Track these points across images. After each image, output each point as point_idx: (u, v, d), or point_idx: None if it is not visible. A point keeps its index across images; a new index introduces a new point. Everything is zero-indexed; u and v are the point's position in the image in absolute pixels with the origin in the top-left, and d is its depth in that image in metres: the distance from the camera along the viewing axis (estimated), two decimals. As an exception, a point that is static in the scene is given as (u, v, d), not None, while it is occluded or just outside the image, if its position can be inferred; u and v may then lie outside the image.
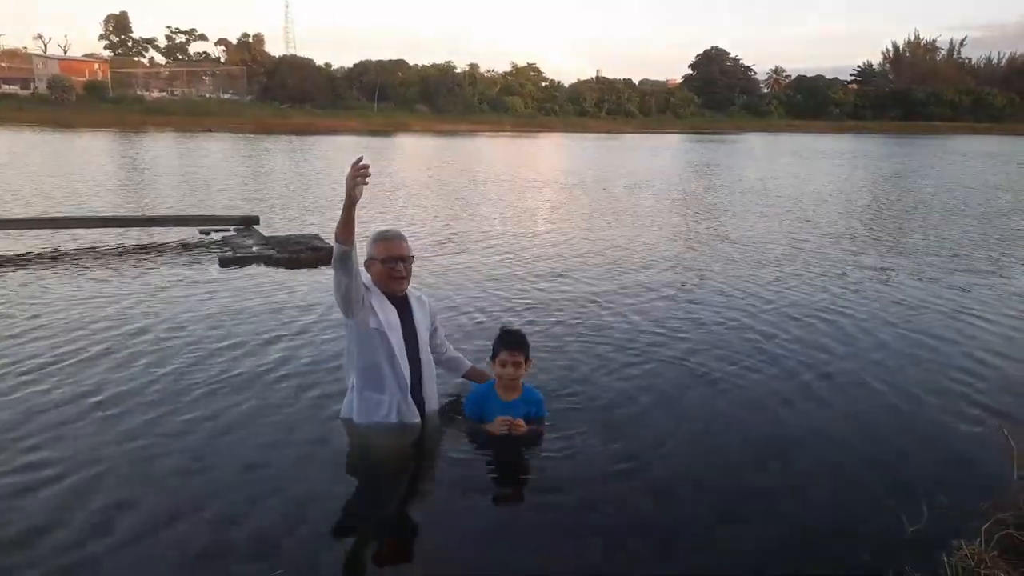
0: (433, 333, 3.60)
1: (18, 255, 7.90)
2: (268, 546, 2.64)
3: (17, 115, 47.02)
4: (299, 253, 7.87)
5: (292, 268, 7.48)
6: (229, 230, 9.47)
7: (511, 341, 3.43)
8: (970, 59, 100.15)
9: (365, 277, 3.32)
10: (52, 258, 7.83)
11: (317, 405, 3.87)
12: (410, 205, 13.14)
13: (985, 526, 2.65)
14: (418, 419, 3.37)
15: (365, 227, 3.38)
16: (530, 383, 3.65)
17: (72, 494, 2.99)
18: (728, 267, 7.98)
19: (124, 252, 8.26)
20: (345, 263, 3.02)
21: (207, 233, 9.41)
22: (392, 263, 3.26)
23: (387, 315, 3.25)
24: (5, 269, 7.23)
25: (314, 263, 7.68)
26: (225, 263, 7.62)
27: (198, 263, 7.72)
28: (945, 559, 2.49)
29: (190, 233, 9.42)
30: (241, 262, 7.67)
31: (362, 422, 3.34)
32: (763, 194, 16.11)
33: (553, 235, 10.05)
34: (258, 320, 5.51)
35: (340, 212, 2.94)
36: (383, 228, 3.48)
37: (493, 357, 3.47)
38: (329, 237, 8.70)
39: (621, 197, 15.28)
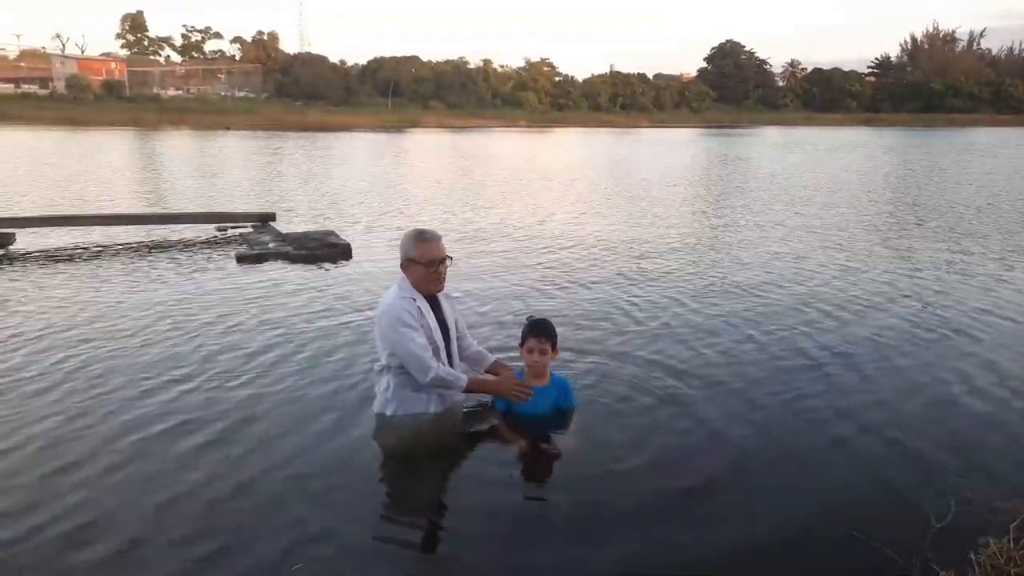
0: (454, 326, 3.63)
1: (40, 252, 8.00)
2: (287, 542, 2.64)
3: (36, 114, 47.62)
4: (315, 249, 7.90)
5: (308, 264, 7.51)
6: (246, 227, 9.53)
7: (538, 329, 3.52)
8: (990, 50, 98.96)
9: (400, 277, 3.37)
10: (72, 255, 7.91)
11: (338, 399, 3.88)
12: (443, 200, 13.19)
13: (1014, 523, 2.61)
14: (450, 413, 3.44)
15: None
16: (564, 373, 3.66)
17: (81, 482, 3.01)
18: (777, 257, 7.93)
19: (143, 249, 8.33)
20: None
21: (224, 230, 9.47)
22: (435, 266, 3.30)
23: (430, 319, 3.34)
24: (27, 265, 7.32)
25: (330, 259, 7.70)
26: (242, 259, 7.66)
27: (216, 260, 7.77)
28: (972, 556, 2.46)
29: (207, 230, 9.50)
30: (258, 258, 7.71)
31: (396, 418, 3.37)
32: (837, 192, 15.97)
33: (602, 229, 9.99)
34: (276, 316, 5.53)
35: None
36: (419, 228, 3.48)
37: (522, 344, 3.56)
38: (344, 233, 8.83)
39: (661, 192, 15.19)
